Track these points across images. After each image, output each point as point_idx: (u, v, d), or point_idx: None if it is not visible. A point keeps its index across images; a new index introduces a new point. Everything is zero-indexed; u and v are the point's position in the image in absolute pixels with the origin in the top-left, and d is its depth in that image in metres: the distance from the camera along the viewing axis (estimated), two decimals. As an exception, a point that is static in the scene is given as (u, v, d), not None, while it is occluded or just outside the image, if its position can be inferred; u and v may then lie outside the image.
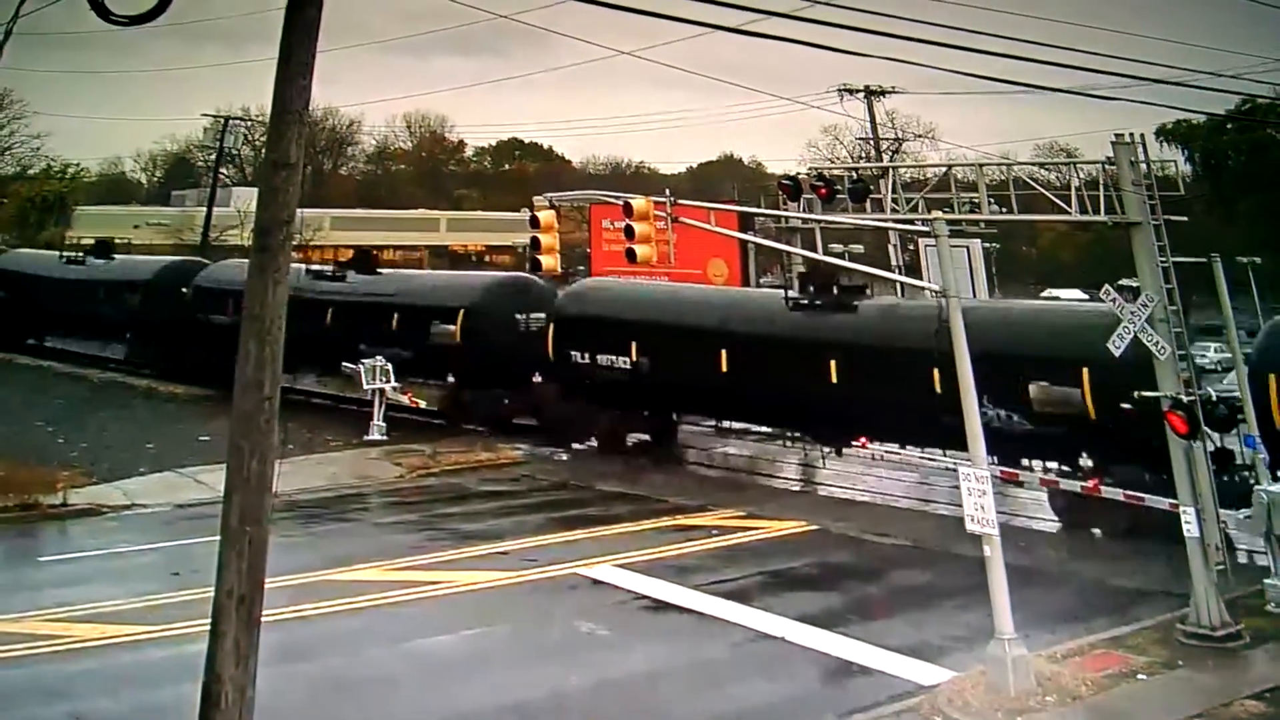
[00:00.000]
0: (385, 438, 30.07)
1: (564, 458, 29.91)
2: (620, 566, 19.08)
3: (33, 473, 23.35)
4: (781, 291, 27.27)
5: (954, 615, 16.58)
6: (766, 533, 21.66)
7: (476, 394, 31.93)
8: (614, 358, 28.59)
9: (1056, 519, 22.31)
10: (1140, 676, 14.00)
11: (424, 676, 14.64)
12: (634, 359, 28.18)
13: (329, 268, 37.75)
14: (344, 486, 25.91)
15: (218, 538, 8.65)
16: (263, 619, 8.69)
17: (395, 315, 32.82)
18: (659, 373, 27.87)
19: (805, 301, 25.82)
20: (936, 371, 20.39)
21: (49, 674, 14.34)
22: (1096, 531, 21.26)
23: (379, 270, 38.19)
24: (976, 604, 14.74)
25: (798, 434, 29.20)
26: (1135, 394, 15.75)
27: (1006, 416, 21.28)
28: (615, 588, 18.18)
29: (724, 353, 26.32)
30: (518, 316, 30.79)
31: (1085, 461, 20.83)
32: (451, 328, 31.20)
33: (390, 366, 30.41)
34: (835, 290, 25.36)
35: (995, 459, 20.87)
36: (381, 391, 30.37)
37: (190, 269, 41.23)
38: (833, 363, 24.20)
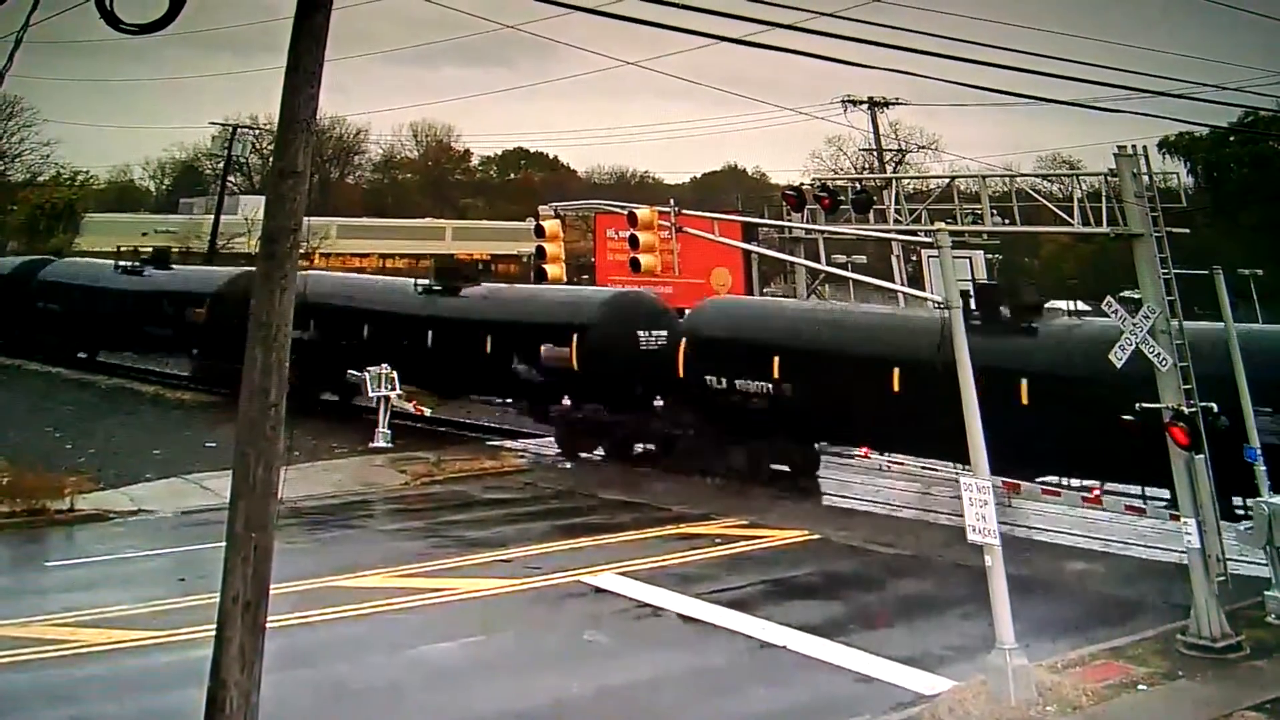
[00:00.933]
0: (390, 445, 30.14)
1: (568, 466, 29.98)
2: (623, 575, 19.14)
3: (40, 478, 23.42)
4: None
5: (955, 625, 16.63)
6: (769, 541, 21.70)
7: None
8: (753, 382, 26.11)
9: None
10: (1141, 687, 14.03)
11: (427, 683, 14.70)
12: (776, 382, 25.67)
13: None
14: (349, 493, 25.97)
15: (223, 543, 8.73)
16: (268, 625, 8.75)
17: (489, 336, 30.62)
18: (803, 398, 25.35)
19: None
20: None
21: (55, 679, 14.40)
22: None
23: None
24: (977, 613, 14.81)
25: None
26: (1138, 406, 15.79)
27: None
28: (618, 596, 18.23)
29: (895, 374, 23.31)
30: (639, 334, 28.58)
31: None
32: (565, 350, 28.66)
33: (395, 374, 30.45)
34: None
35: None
36: (387, 399, 30.44)
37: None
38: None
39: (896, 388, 23.13)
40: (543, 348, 28.81)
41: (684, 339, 27.70)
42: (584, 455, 29.99)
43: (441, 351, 31.78)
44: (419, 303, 32.86)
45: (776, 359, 25.65)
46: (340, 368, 31.99)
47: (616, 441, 29.39)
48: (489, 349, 30.31)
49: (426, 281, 33.71)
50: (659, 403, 29.30)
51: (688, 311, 29.33)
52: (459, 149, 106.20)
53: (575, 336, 28.38)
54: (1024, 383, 21.05)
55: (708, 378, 26.82)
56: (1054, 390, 20.90)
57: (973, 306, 21.73)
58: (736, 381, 26.33)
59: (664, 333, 28.47)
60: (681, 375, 27.43)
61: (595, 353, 28.23)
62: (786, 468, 27.25)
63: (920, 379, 21.64)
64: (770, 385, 25.70)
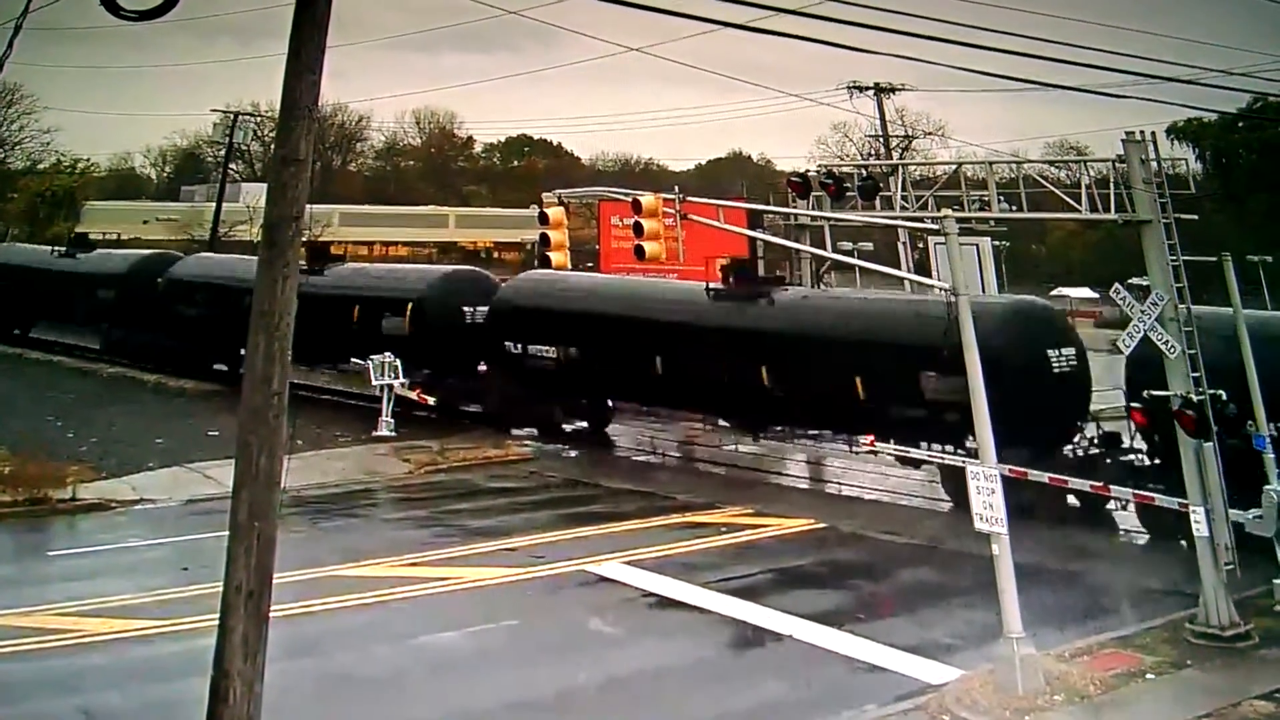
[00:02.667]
0: (394, 434, 30.09)
1: (573, 454, 29.94)
2: (628, 564, 19.08)
3: (42, 467, 23.38)
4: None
5: (962, 614, 16.56)
6: (775, 530, 21.65)
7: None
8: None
9: (950, 499, 23.02)
10: (1149, 676, 13.97)
11: (431, 672, 14.66)
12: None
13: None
14: (352, 482, 25.94)
15: (226, 533, 8.67)
16: (271, 614, 8.70)
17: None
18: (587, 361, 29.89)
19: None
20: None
21: (58, 668, 14.38)
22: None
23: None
24: (984, 602, 14.72)
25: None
26: (1145, 393, 15.70)
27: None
28: (623, 585, 18.18)
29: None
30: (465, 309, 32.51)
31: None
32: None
33: (399, 363, 30.42)
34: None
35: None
36: (390, 387, 30.38)
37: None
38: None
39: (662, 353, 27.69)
40: (383, 319, 32.45)
41: (491, 310, 32.08)
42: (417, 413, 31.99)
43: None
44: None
45: (566, 326, 30.09)
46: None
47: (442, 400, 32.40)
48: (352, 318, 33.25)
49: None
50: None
51: (503, 284, 33.71)
52: (462, 136, 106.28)
53: (410, 308, 32.20)
54: (760, 341, 25.60)
55: (508, 344, 31.11)
56: (785, 348, 25.08)
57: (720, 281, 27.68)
58: (531, 347, 30.63)
59: (486, 307, 32.39)
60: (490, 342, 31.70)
61: (427, 323, 31.95)
62: (584, 423, 31.92)
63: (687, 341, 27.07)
64: (559, 350, 30.18)
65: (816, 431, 29.36)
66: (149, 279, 40.27)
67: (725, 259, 29.96)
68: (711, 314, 27.33)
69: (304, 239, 9.15)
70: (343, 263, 38.25)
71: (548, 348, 30.38)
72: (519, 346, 30.95)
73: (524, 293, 32.48)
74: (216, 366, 37.93)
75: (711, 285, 27.87)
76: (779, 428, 30.08)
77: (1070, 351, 23.00)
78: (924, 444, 23.48)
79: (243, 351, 8.91)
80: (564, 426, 31.71)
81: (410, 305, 32.41)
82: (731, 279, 27.62)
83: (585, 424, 31.98)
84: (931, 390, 22.13)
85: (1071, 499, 21.54)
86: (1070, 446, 22.18)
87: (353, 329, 32.84)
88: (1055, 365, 22.59)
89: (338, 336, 32.47)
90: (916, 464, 24.68)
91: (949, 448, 22.65)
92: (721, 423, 32.02)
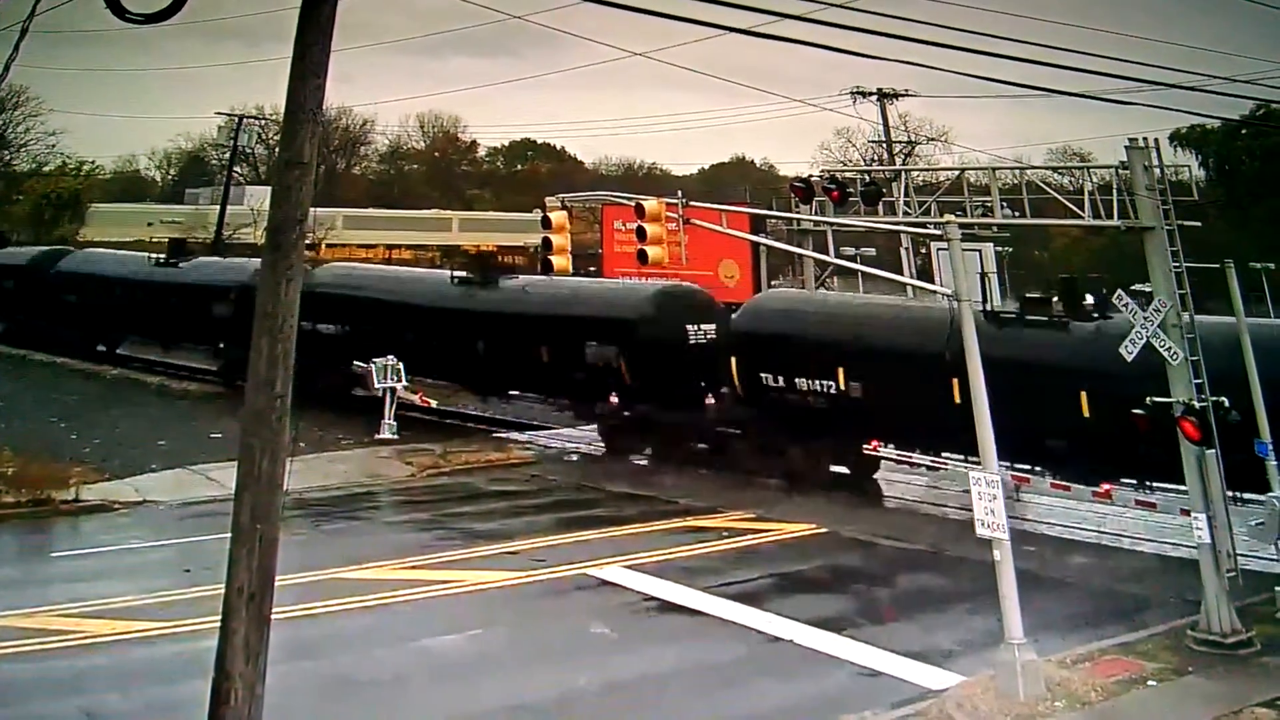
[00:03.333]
0: (396, 436, 30.11)
1: (574, 458, 29.95)
2: (630, 568, 19.09)
3: (46, 468, 23.43)
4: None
5: (963, 620, 16.56)
6: (776, 535, 21.64)
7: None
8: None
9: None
10: (1151, 683, 13.95)
11: (432, 676, 14.66)
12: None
13: None
14: (354, 485, 25.95)
15: (229, 535, 8.68)
16: (273, 616, 8.71)
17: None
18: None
19: None
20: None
21: (60, 669, 14.39)
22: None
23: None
24: (986, 608, 14.73)
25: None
26: (1148, 400, 15.70)
27: None
28: (624, 589, 18.18)
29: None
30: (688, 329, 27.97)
31: None
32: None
33: (401, 365, 30.43)
34: None
35: None
36: (393, 390, 30.40)
37: None
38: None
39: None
40: (586, 346, 28.43)
41: (734, 334, 27.02)
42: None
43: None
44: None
45: (841, 358, 24.44)
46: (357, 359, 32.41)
47: (662, 444, 28.84)
48: (533, 345, 29.78)
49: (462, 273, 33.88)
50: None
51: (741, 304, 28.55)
52: (466, 140, 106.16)
53: (621, 332, 27.85)
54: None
55: (764, 375, 25.82)
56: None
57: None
58: (795, 380, 25.22)
59: (710, 325, 27.91)
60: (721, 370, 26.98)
61: (644, 349, 27.58)
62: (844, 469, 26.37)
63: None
64: (832, 385, 24.65)
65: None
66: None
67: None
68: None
69: (309, 241, 9.17)
70: (512, 275, 33.78)
71: (820, 382, 24.76)
72: (776, 379, 25.51)
73: (778, 314, 27.05)
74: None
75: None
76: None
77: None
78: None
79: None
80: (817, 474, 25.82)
81: (622, 328, 27.78)
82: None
83: (846, 470, 26.20)
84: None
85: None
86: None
87: (540, 356, 29.22)
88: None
89: (519, 366, 30.15)
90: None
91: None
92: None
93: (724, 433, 27.84)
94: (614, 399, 28.51)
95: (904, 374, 22.92)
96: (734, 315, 27.66)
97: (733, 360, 26.46)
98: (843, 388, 24.31)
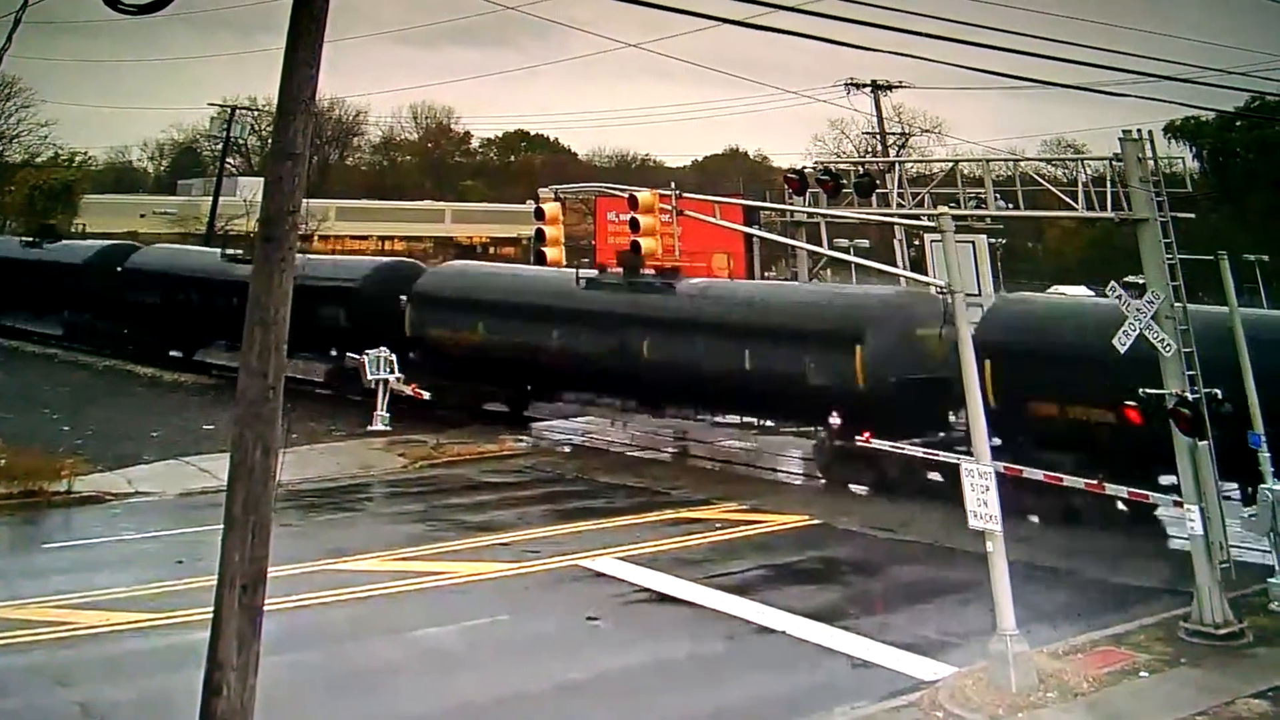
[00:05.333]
0: (389, 428, 30.11)
1: (567, 450, 29.94)
2: (622, 559, 19.10)
3: (37, 460, 23.37)
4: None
5: (956, 611, 16.59)
6: (769, 526, 21.66)
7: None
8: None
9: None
10: (1143, 674, 13.99)
11: (425, 667, 14.66)
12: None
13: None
14: (347, 476, 25.94)
15: (221, 526, 8.66)
16: (265, 607, 8.69)
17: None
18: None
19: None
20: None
21: (52, 661, 14.37)
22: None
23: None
24: (978, 600, 14.76)
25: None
26: (1141, 392, 15.72)
27: None
28: (617, 580, 18.19)
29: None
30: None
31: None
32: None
33: (394, 357, 30.44)
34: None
35: None
36: (385, 382, 30.39)
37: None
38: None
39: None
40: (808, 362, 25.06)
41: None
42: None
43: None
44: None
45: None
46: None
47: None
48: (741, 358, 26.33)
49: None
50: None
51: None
52: (459, 131, 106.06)
53: (849, 346, 24.13)
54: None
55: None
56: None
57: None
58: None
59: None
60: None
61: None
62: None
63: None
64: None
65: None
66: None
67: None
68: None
69: (302, 232, 9.13)
70: (677, 276, 28.65)
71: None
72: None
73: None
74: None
75: None
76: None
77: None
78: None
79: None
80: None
81: (849, 343, 24.11)
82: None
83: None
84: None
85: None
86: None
87: (746, 372, 25.87)
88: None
89: (723, 384, 26.82)
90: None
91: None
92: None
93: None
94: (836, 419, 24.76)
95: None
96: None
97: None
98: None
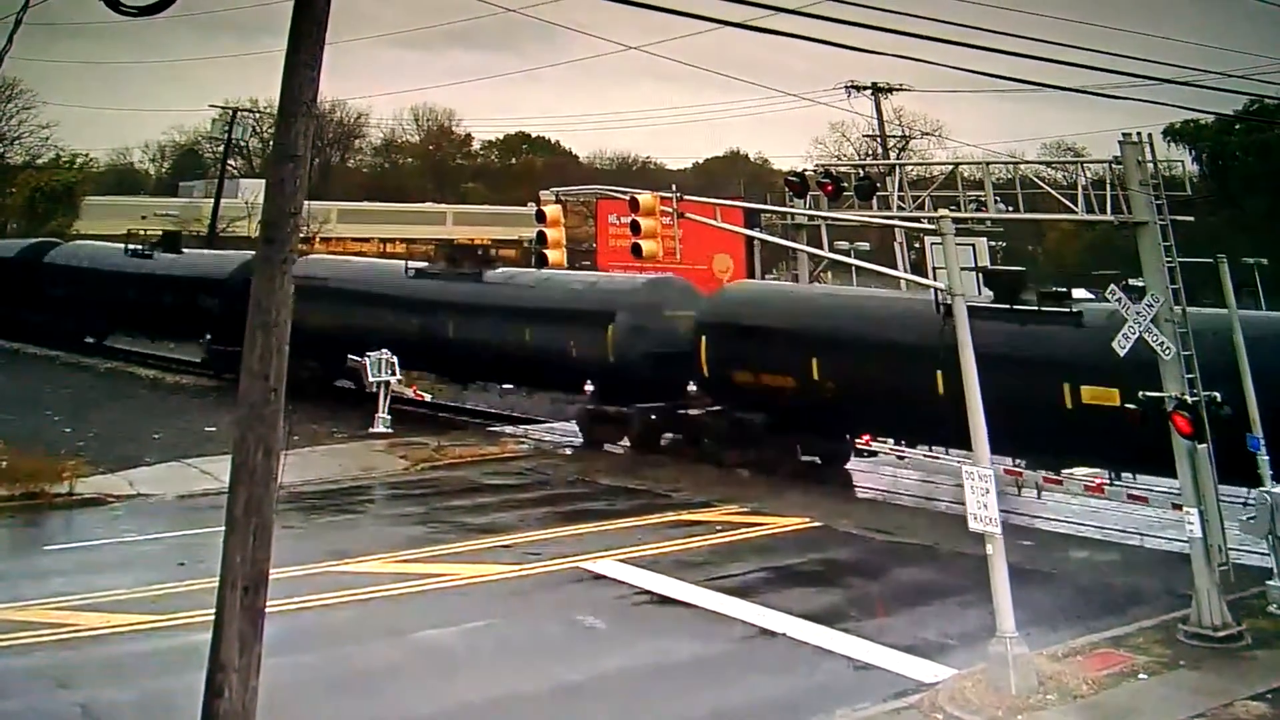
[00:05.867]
0: (390, 430, 30.13)
1: (568, 452, 29.97)
2: (623, 561, 19.12)
3: (39, 462, 23.38)
4: None
5: (956, 613, 16.59)
6: (770, 529, 21.68)
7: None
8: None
9: None
10: (1142, 676, 14.01)
11: (425, 668, 14.68)
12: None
13: None
14: (349, 478, 25.97)
15: (223, 528, 8.69)
16: (267, 609, 8.72)
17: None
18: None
19: None
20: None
21: (53, 663, 14.38)
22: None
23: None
24: (978, 602, 14.77)
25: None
26: (1140, 394, 15.74)
27: None
28: (618, 582, 18.21)
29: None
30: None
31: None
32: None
33: (395, 359, 30.47)
34: None
35: None
36: (386, 384, 30.41)
37: None
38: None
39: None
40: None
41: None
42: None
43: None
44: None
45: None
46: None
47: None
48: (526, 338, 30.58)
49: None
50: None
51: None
52: (460, 133, 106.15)
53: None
54: None
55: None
56: None
57: None
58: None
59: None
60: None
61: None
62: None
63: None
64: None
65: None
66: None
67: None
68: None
69: (303, 234, 9.16)
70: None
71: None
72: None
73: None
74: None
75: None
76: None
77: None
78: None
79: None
80: None
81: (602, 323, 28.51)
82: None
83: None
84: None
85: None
86: None
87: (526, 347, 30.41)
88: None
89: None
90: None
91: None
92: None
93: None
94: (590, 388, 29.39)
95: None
96: None
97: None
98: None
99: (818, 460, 27.14)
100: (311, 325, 31.73)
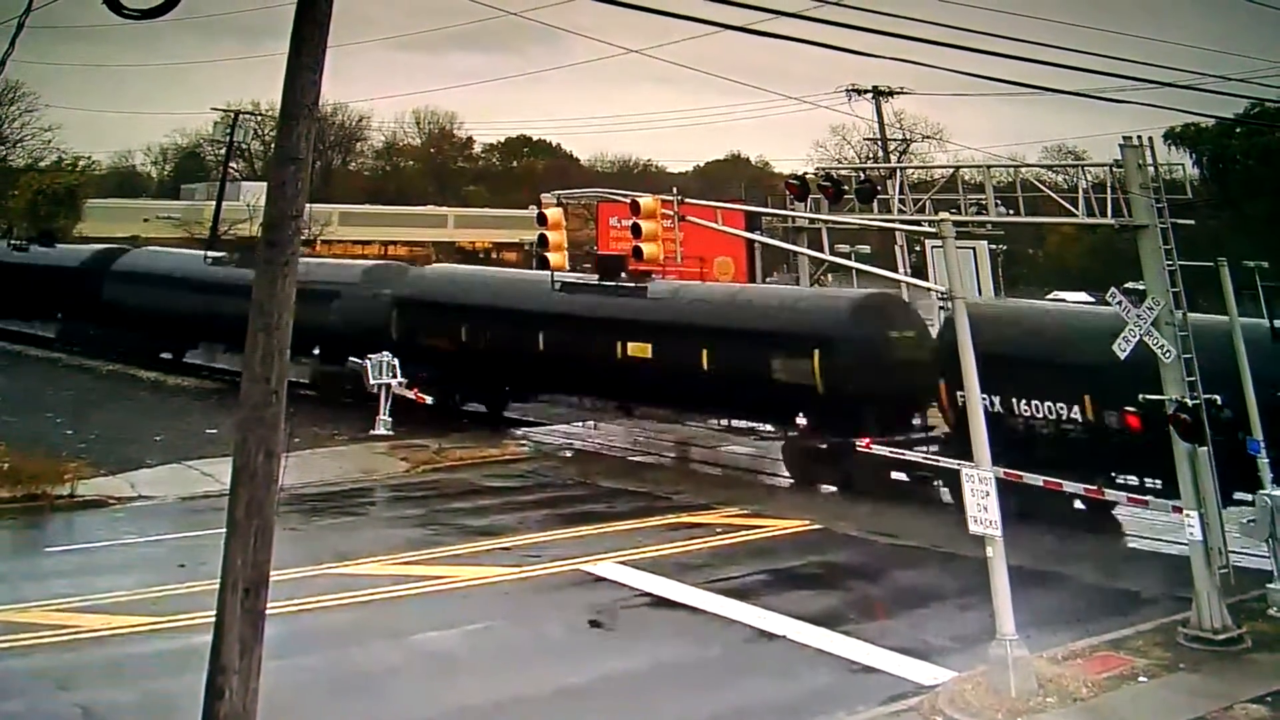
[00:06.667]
0: (391, 432, 30.13)
1: (569, 454, 29.97)
2: (623, 563, 19.13)
3: (41, 464, 23.39)
4: None
5: (955, 615, 16.61)
6: (770, 531, 21.69)
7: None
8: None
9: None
10: (1141, 679, 14.02)
11: (426, 671, 14.70)
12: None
13: None
14: (350, 480, 25.97)
15: (224, 530, 8.70)
16: (268, 611, 8.73)
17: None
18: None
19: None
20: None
21: (54, 664, 14.41)
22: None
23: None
24: (978, 604, 14.78)
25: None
26: (1140, 397, 15.75)
27: None
28: (618, 584, 18.22)
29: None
30: None
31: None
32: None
33: (396, 362, 30.48)
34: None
35: None
36: (388, 387, 30.42)
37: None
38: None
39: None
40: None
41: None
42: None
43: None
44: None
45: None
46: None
47: None
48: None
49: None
50: None
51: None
52: (461, 136, 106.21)
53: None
54: None
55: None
56: None
57: None
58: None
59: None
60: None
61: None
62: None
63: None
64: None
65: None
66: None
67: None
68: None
69: (305, 237, 9.17)
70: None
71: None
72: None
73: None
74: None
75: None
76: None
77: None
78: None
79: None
80: None
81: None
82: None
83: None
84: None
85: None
86: None
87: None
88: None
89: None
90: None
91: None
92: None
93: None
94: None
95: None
96: None
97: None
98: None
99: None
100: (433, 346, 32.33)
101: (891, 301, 25.91)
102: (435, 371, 32.19)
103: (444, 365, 32.46)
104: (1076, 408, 21.06)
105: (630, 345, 28.07)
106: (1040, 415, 21.63)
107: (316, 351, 33.60)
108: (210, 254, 42.00)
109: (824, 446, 25.22)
